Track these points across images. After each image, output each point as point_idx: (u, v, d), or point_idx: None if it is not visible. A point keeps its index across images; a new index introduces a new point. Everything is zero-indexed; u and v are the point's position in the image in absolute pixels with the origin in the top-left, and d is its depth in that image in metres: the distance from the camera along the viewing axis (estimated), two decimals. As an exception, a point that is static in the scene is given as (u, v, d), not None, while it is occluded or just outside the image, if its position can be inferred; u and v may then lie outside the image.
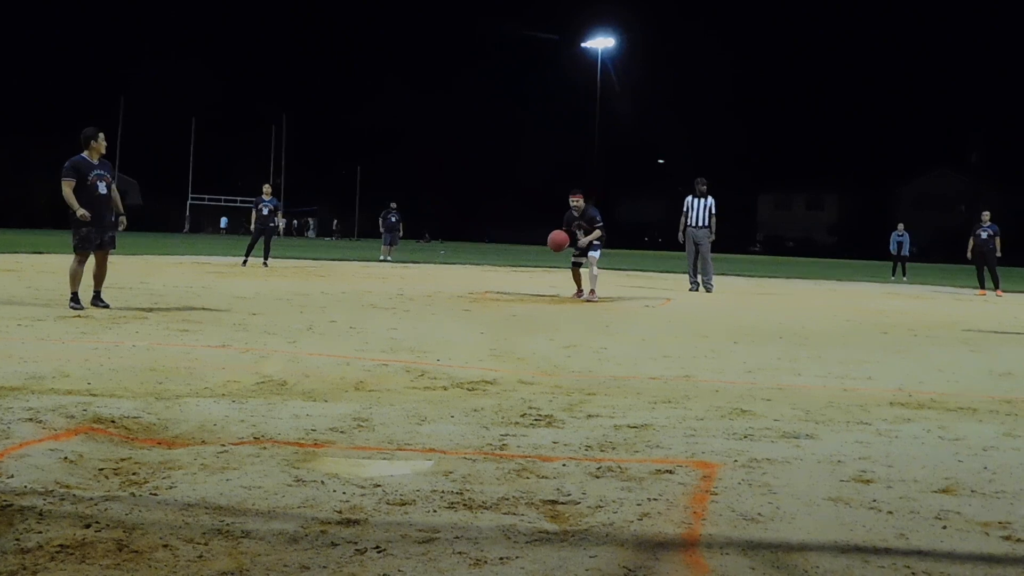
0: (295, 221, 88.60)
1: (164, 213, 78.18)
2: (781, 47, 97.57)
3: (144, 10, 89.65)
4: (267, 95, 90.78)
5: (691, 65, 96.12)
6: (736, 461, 4.62)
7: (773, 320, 13.75)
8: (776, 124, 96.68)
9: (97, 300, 11.32)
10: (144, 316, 10.52)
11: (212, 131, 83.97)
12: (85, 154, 11.32)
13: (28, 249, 23.94)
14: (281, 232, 27.27)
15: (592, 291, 16.07)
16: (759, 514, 3.76)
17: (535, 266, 31.32)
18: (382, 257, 33.10)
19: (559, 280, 18.05)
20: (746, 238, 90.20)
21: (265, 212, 24.54)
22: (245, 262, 24.35)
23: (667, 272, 30.40)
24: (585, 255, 16.08)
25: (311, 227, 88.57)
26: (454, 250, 53.96)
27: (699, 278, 20.30)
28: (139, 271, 19.56)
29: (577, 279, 16.52)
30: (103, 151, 11.47)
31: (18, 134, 68.58)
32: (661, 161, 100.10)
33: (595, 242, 16.02)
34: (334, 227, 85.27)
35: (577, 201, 15.96)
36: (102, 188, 11.31)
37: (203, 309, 11.65)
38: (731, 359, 8.91)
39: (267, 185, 25.34)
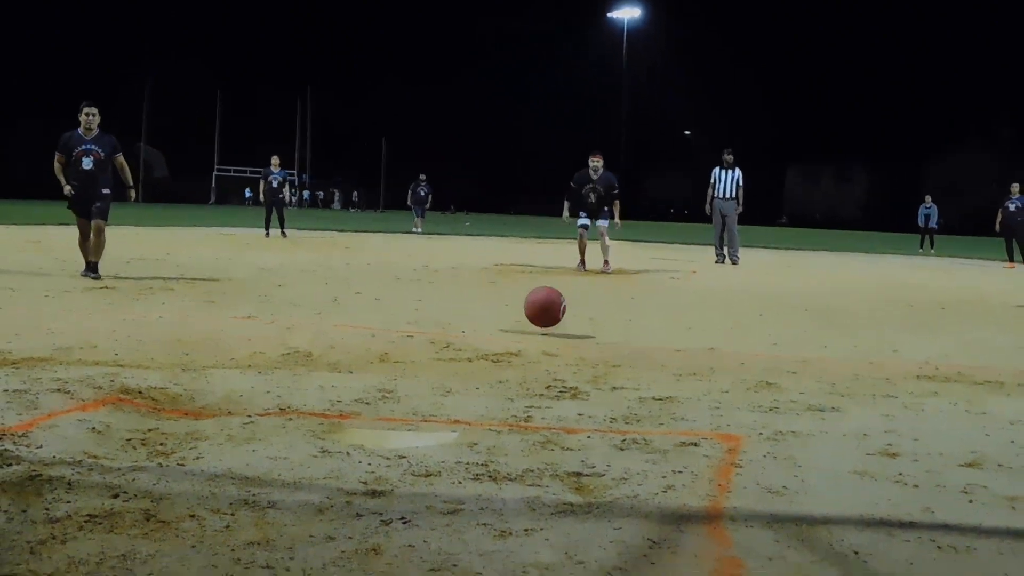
0: (320, 193, 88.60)
1: (190, 185, 78.51)
2: (810, 18, 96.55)
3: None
4: (292, 67, 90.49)
5: (717, 38, 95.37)
6: (761, 434, 4.62)
7: (799, 293, 13.70)
8: (804, 97, 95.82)
9: (88, 271, 11.38)
10: (170, 288, 10.58)
11: (238, 104, 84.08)
12: (80, 129, 11.47)
13: (55, 221, 24.09)
14: (290, 203, 27.15)
15: (606, 262, 16.02)
16: (784, 487, 3.75)
17: (560, 238, 31.28)
18: (414, 229, 32.93)
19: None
20: (773, 211, 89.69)
21: (275, 184, 24.61)
22: (268, 233, 24.49)
23: (693, 244, 30.29)
24: (596, 218, 16.00)
25: (336, 199, 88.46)
26: (479, 222, 53.94)
27: (725, 250, 20.24)
28: (165, 243, 19.66)
29: (583, 250, 16.22)
30: (91, 126, 11.50)
31: (44, 114, 68.85)
32: (687, 132, 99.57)
33: (605, 208, 16.01)
34: (354, 198, 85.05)
35: (597, 161, 15.83)
36: (86, 163, 11.44)
37: (229, 281, 11.71)
38: (757, 332, 8.88)
39: (275, 157, 25.32)
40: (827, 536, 3.21)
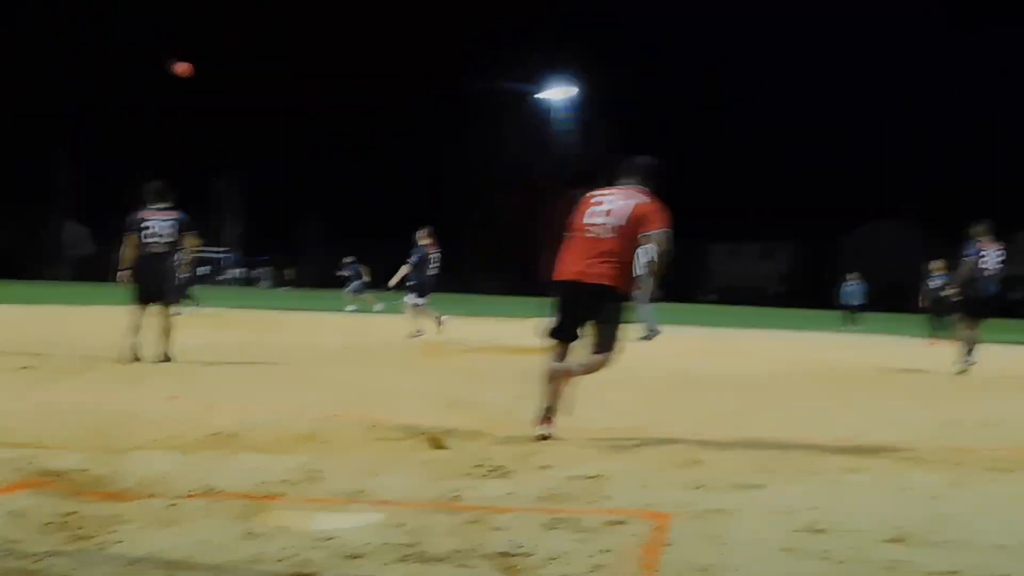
0: (250, 271, 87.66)
1: (113, 263, 77.53)
2: (732, 99, 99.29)
3: (86, 61, 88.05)
4: (218, 144, 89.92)
5: (643, 114, 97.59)
6: (688, 512, 4.63)
7: (725, 370, 13.82)
8: (728, 174, 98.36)
9: (163, 358, 11.30)
10: (92, 367, 10.40)
11: (160, 179, 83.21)
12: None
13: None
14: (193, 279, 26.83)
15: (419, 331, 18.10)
16: (711, 564, 3.77)
17: (484, 316, 31.31)
18: (348, 308, 32.75)
19: (509, 330, 18.13)
20: (699, 288, 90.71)
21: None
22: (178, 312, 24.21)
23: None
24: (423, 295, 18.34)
25: (263, 278, 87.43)
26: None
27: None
28: (89, 322, 19.33)
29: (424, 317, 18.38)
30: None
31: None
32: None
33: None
34: (285, 276, 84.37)
35: (424, 239, 18.50)
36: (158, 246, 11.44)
37: (152, 360, 11.53)
38: (683, 409, 8.94)
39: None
40: (754, 613, 3.22)
